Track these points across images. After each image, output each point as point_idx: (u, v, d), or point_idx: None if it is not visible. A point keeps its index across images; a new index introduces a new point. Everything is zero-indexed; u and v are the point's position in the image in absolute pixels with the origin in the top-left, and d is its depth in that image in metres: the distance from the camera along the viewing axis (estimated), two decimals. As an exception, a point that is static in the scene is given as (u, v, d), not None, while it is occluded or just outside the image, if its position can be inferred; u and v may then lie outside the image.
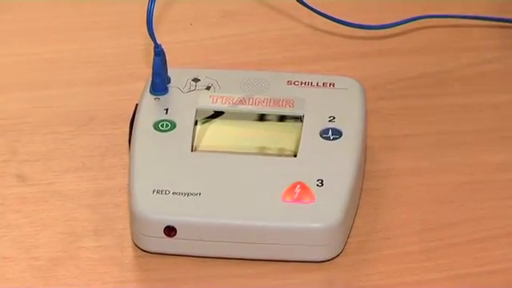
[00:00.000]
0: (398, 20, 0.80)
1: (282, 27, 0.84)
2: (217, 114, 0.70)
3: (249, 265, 0.64)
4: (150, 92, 0.70)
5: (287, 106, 0.70)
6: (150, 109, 0.70)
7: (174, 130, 0.68)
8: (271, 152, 0.68)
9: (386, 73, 0.79)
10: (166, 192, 0.64)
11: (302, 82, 0.71)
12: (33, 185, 0.70)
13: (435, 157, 0.73)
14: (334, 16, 0.79)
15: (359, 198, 0.68)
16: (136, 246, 0.65)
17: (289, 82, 0.71)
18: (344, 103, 0.70)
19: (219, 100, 0.71)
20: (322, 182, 0.64)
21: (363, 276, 0.64)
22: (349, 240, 0.65)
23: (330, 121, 0.68)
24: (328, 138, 0.67)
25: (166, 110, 0.69)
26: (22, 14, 0.89)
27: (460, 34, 0.85)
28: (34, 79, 0.80)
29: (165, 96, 0.71)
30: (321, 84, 0.71)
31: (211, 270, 0.64)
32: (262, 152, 0.68)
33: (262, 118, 0.70)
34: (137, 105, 0.70)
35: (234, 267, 0.64)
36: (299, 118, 0.69)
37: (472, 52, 0.83)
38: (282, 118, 0.70)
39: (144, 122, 0.69)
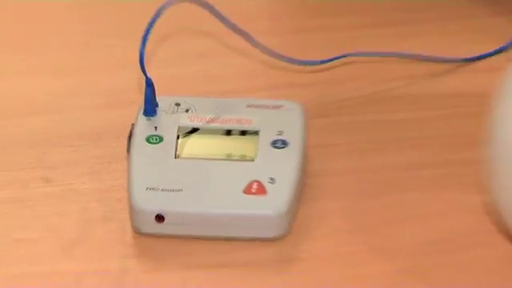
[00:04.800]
0: (332, 57, 0.84)
1: (242, 64, 0.87)
2: (194, 130, 0.75)
3: (220, 242, 0.69)
4: (143, 114, 0.76)
5: (247, 123, 0.75)
6: (143, 127, 0.75)
7: (162, 142, 0.73)
8: (235, 158, 0.73)
9: (322, 97, 0.83)
10: (156, 189, 0.70)
11: (258, 106, 0.77)
12: (56, 185, 0.75)
13: (360, 160, 0.78)
14: (281, 54, 0.83)
15: (301, 192, 0.73)
16: (134, 229, 0.70)
17: (248, 106, 0.77)
18: (289, 120, 0.76)
19: (195, 119, 0.76)
20: (273, 180, 0.70)
21: (305, 250, 0.69)
22: (294, 224, 0.70)
23: (278, 134, 0.74)
24: (277, 147, 0.73)
25: (156, 127, 0.75)
26: (46, 55, 0.90)
27: (380, 67, 0.87)
28: (54, 105, 0.83)
29: (154, 117, 0.76)
30: (272, 106, 0.77)
31: (190, 246, 0.69)
32: (229, 158, 0.73)
33: (228, 132, 0.75)
34: (133, 124, 0.75)
35: (208, 244, 0.69)
36: (256, 132, 0.75)
37: (390, 80, 0.86)
38: (243, 133, 0.75)
39: (139, 137, 0.74)
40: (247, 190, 0.69)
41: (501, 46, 0.88)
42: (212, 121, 0.75)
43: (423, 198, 0.75)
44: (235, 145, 0.74)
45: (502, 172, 0.69)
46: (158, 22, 0.75)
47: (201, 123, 0.75)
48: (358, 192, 0.75)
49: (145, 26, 0.74)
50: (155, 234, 0.69)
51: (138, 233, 0.69)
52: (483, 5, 0.93)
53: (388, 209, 0.73)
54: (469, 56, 0.84)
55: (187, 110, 0.76)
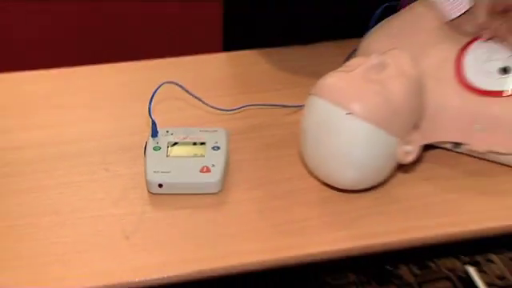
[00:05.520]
0: (240, 106, 0.87)
1: (198, 112, 0.87)
2: (176, 143, 0.79)
3: (190, 195, 0.75)
4: (151, 136, 0.80)
5: (201, 139, 0.80)
6: (151, 142, 0.80)
7: (160, 150, 0.79)
8: (197, 156, 0.78)
9: (236, 125, 0.85)
10: (158, 171, 0.76)
11: (206, 130, 0.81)
12: (110, 172, 0.79)
13: (256, 153, 0.82)
14: (217, 106, 0.86)
15: (227, 170, 0.77)
16: (148, 191, 0.76)
17: (201, 131, 0.81)
18: (220, 137, 0.80)
19: (177, 138, 0.80)
20: (214, 165, 0.76)
21: (230, 197, 0.75)
22: (224, 185, 0.76)
23: (215, 143, 0.79)
24: (215, 150, 0.78)
25: (157, 142, 0.79)
26: (99, 110, 0.90)
27: (263, 110, 0.88)
28: (105, 135, 0.85)
29: (156, 137, 0.80)
30: (212, 131, 0.81)
31: (176, 199, 0.75)
32: (194, 156, 0.78)
33: (193, 143, 0.79)
34: (146, 142, 0.80)
35: (184, 197, 0.75)
36: (205, 143, 0.79)
37: (268, 116, 0.87)
38: (200, 143, 0.79)
39: (149, 147, 0.79)
40: (201, 170, 0.76)
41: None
42: (185, 138, 0.80)
43: (289, 170, 0.79)
44: (197, 150, 0.79)
45: (306, 143, 0.75)
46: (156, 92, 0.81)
47: (179, 140, 0.80)
48: (256, 168, 0.80)
49: (149, 95, 0.80)
50: (158, 194, 0.76)
51: (150, 193, 0.76)
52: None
53: (272, 175, 0.79)
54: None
55: (172, 134, 0.81)
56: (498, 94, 0.75)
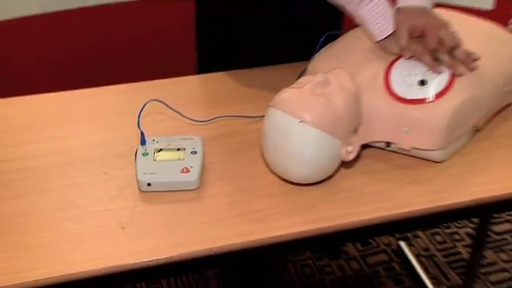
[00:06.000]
0: (211, 117, 0.87)
1: (178, 123, 0.86)
2: (161, 149, 0.79)
3: (175, 192, 0.74)
4: (140, 144, 0.79)
5: (182, 146, 0.79)
6: (140, 149, 0.79)
7: (148, 155, 0.78)
8: (179, 159, 0.77)
9: (209, 133, 0.85)
10: (147, 173, 0.75)
11: (185, 138, 0.80)
12: (108, 175, 0.79)
13: (226, 155, 0.81)
14: (193, 118, 0.86)
15: (203, 170, 0.76)
16: (139, 189, 0.75)
17: (181, 139, 0.80)
18: (197, 143, 0.80)
19: (162, 145, 0.80)
20: (192, 167, 0.76)
21: (206, 192, 0.75)
22: (202, 183, 0.76)
23: (193, 149, 0.79)
24: (193, 154, 0.78)
25: (145, 149, 0.79)
26: (96, 125, 0.87)
27: (232, 121, 0.87)
28: (102, 144, 0.84)
29: (145, 145, 0.79)
30: (189, 138, 0.80)
31: (161, 195, 0.74)
32: (177, 159, 0.77)
33: (177, 149, 0.79)
34: (137, 149, 0.79)
35: (170, 193, 0.74)
36: (185, 149, 0.79)
37: (235, 125, 0.86)
38: (182, 149, 0.78)
39: (139, 153, 0.79)
40: (182, 171, 0.76)
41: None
42: (168, 145, 0.80)
43: (253, 169, 0.78)
44: (178, 154, 0.79)
45: (266, 146, 0.75)
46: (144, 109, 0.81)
47: (163, 146, 0.80)
48: (227, 168, 0.80)
49: (138, 110, 0.79)
50: (147, 191, 0.75)
51: (140, 191, 0.76)
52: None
53: (240, 173, 0.77)
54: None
55: (157, 142, 0.80)
56: (418, 101, 0.77)
